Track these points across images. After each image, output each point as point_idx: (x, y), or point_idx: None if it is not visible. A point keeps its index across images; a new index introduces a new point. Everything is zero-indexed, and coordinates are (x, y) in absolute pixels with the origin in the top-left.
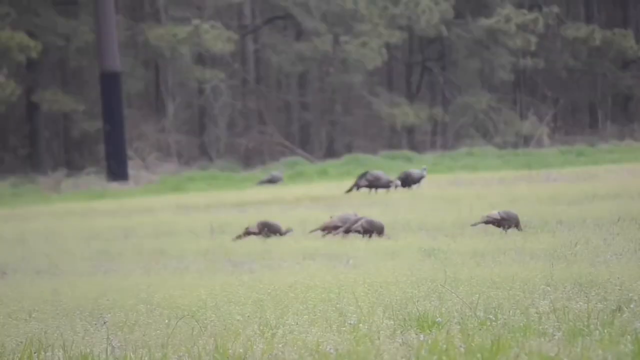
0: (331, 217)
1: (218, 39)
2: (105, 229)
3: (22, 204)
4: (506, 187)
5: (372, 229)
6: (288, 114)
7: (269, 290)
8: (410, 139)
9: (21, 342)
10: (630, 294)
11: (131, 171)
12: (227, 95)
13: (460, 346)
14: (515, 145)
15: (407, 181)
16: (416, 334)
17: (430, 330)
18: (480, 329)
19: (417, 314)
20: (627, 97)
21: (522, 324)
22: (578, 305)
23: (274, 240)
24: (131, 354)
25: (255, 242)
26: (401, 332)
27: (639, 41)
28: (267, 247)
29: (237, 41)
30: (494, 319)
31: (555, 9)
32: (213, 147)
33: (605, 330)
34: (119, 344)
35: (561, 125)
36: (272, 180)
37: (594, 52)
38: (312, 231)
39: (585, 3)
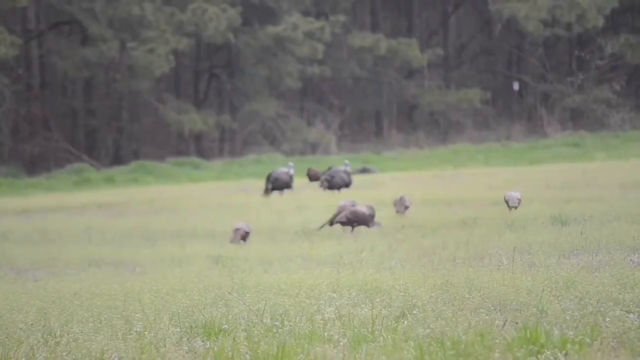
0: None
1: (1, 43)
2: None
3: None
4: (295, 195)
5: (356, 220)
6: (74, 120)
7: (53, 298)
8: (198, 146)
9: None
10: (414, 300)
11: None
12: (10, 101)
13: (247, 353)
14: (302, 153)
15: (278, 185)
16: (202, 341)
17: (216, 338)
18: (266, 336)
19: (204, 321)
20: (412, 105)
21: (307, 331)
22: (363, 312)
23: (56, 247)
24: None
25: (38, 250)
26: (187, 340)
27: (424, 50)
28: (51, 255)
29: (21, 46)
30: (280, 325)
31: (342, 17)
32: None
33: (389, 336)
34: None
35: (348, 133)
36: None
37: (380, 61)
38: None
39: (371, 12)
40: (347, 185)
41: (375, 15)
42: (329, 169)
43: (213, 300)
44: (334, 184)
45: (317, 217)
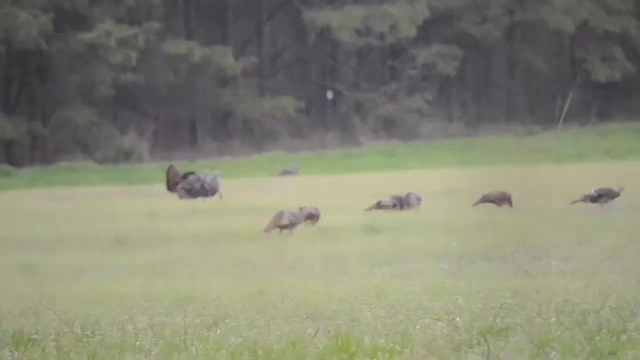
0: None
1: None
2: None
3: None
4: (107, 202)
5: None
6: None
7: None
8: (8, 153)
9: None
10: (227, 309)
11: None
12: None
13: None
14: (115, 161)
15: (196, 191)
16: (11, 352)
17: (25, 348)
18: (76, 346)
19: (13, 331)
20: (227, 113)
21: (119, 340)
22: (176, 321)
23: None
24: None
25: None
26: None
27: (238, 58)
28: None
29: None
30: (91, 335)
31: (156, 25)
32: None
33: (201, 345)
34: None
35: (162, 140)
36: None
37: (194, 69)
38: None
39: (185, 20)
40: (210, 193)
41: (189, 23)
42: (187, 174)
43: (23, 310)
44: (193, 192)
45: (134, 225)
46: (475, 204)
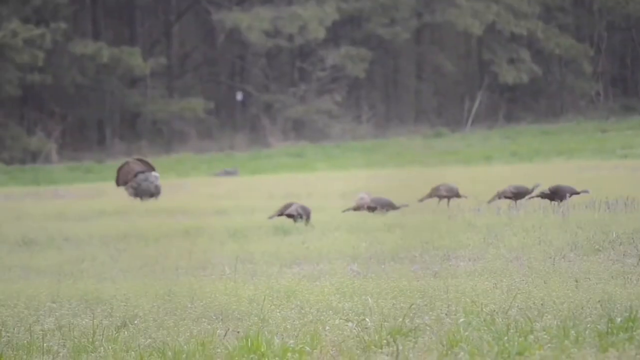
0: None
1: None
2: None
3: None
4: (14, 203)
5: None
6: None
7: None
8: None
9: None
10: (136, 310)
11: None
12: None
13: None
14: (22, 161)
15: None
16: None
17: None
18: None
19: None
20: (135, 114)
21: (26, 342)
22: (84, 322)
23: None
24: None
25: None
26: None
27: (147, 59)
28: None
29: None
30: None
31: (63, 25)
32: None
33: (110, 347)
34: None
35: (69, 141)
36: None
37: (102, 69)
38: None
39: (93, 20)
40: (156, 194)
41: (96, 23)
42: (138, 174)
43: None
44: (139, 191)
45: (41, 226)
46: (490, 201)
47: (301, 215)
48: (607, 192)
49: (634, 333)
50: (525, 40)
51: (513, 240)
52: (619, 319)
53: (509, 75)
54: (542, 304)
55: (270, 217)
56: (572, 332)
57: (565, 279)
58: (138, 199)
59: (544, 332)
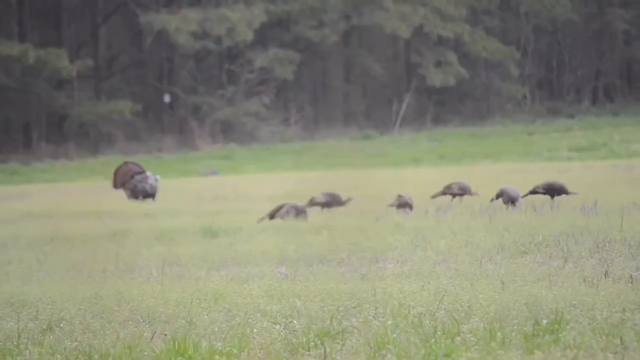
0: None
1: None
2: None
3: None
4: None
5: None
6: None
7: None
8: None
9: None
10: (62, 313)
11: None
12: None
13: None
14: None
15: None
16: None
17: None
18: None
19: None
20: (62, 116)
21: None
22: (9, 325)
23: None
24: None
25: None
26: None
27: (74, 61)
28: None
29: None
30: None
31: None
32: None
33: (36, 350)
34: None
35: None
36: None
37: (28, 71)
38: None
39: (19, 21)
40: (152, 195)
41: (23, 25)
42: (135, 175)
43: None
44: (136, 192)
45: None
46: (524, 196)
47: (291, 215)
48: (532, 194)
49: (560, 335)
50: (453, 43)
51: (441, 243)
52: (544, 321)
53: (436, 78)
54: (469, 306)
55: (261, 220)
56: (499, 334)
57: (492, 281)
58: (135, 200)
59: (471, 334)
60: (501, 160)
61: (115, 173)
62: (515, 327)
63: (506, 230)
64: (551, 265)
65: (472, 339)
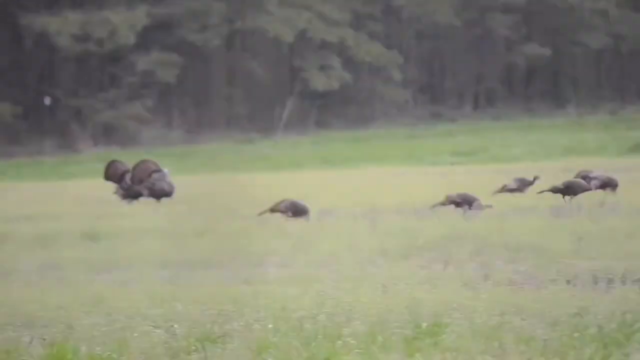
0: None
1: None
2: None
3: None
4: None
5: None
6: None
7: None
8: None
9: None
10: None
11: None
12: None
13: None
14: None
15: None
16: None
17: None
18: None
19: None
20: None
21: None
22: None
23: None
24: None
25: None
26: None
27: None
28: None
29: None
30: None
31: None
32: None
33: None
34: None
35: None
36: None
37: None
38: None
39: None
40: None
41: None
42: (152, 172)
43: None
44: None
45: None
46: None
47: (290, 211)
48: (415, 199)
49: (439, 338)
50: (336, 48)
51: (323, 247)
52: (425, 324)
53: (319, 82)
54: (350, 310)
55: (261, 213)
56: (380, 337)
57: (374, 285)
58: (156, 200)
59: (352, 338)
60: (384, 164)
61: (133, 170)
62: (396, 331)
63: (388, 234)
64: (432, 269)
65: (353, 342)
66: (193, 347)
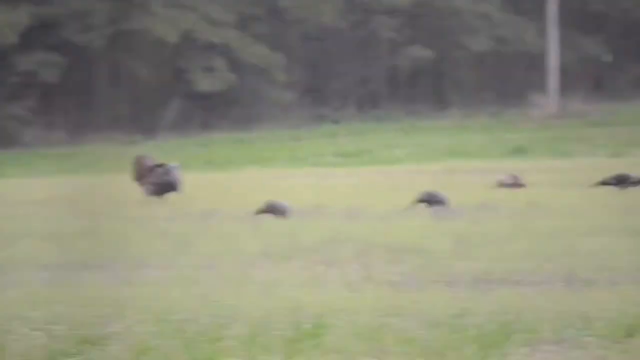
0: None
1: None
2: None
3: None
4: None
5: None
6: None
7: None
8: None
9: None
10: None
11: None
12: None
13: None
14: None
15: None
16: None
17: None
18: None
19: None
20: None
21: None
22: None
23: None
24: None
25: None
26: None
27: None
28: None
29: None
30: None
31: None
32: None
33: None
34: None
35: None
36: None
37: None
38: None
39: None
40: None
41: None
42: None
43: None
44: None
45: None
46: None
47: (273, 211)
48: (298, 200)
49: (321, 339)
50: (221, 49)
51: (205, 249)
52: (307, 326)
53: (203, 84)
54: (232, 312)
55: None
56: (261, 339)
57: (256, 287)
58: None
59: (234, 340)
60: (268, 166)
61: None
62: (277, 332)
63: (271, 235)
64: (315, 271)
65: (235, 344)
66: (73, 350)
